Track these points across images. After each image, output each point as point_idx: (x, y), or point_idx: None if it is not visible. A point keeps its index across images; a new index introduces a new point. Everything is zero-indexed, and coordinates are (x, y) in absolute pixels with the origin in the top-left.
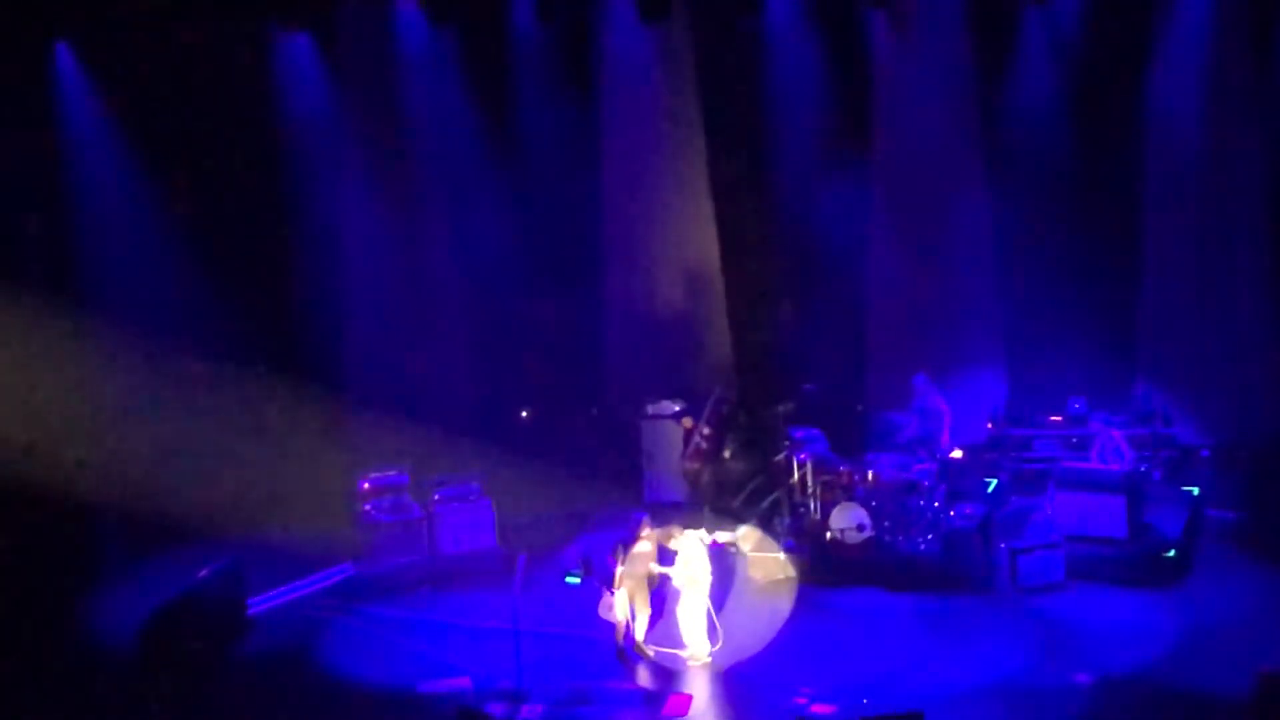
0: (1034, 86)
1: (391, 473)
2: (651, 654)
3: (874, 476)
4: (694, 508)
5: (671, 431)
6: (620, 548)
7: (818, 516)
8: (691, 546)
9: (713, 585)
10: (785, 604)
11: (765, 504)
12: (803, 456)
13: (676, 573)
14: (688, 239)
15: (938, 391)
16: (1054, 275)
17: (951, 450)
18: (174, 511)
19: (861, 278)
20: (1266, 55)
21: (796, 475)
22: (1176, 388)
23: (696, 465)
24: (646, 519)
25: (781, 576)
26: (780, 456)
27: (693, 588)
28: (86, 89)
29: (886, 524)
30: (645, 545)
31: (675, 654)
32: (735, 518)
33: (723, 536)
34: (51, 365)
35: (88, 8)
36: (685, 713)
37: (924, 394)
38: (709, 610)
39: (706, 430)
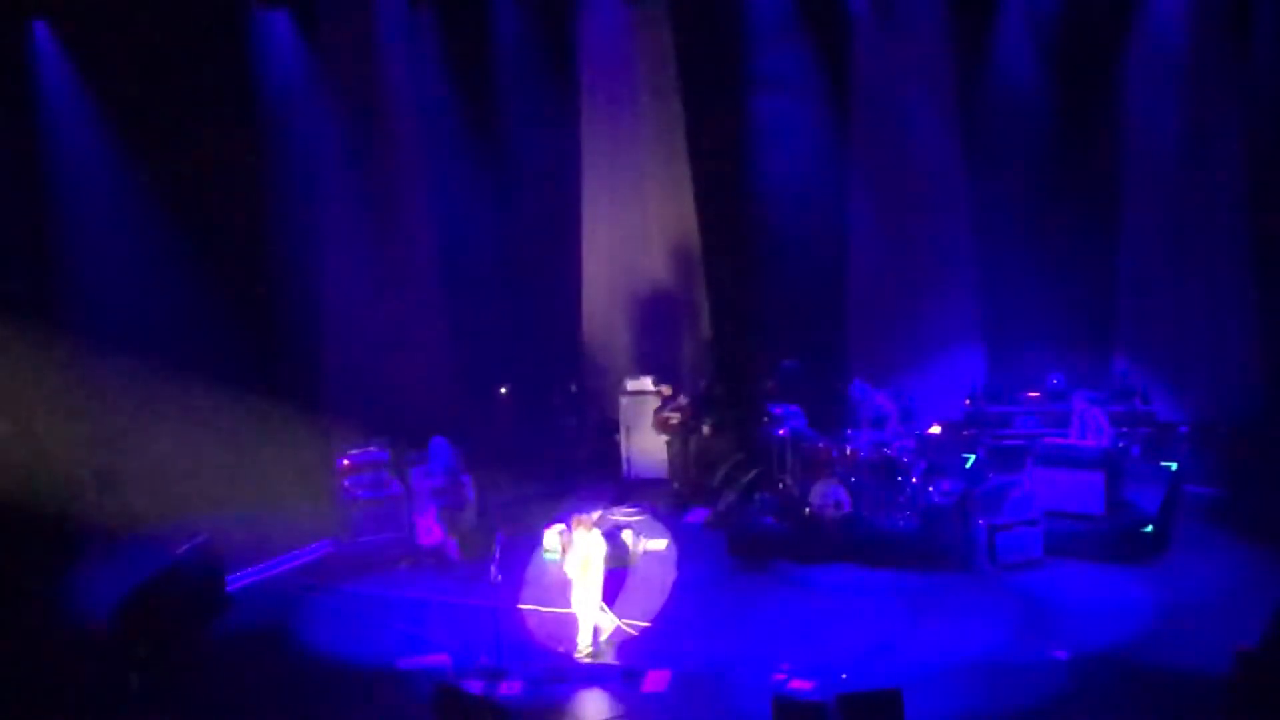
0: (1014, 66)
1: (371, 449)
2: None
3: (853, 453)
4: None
5: (650, 407)
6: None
7: (797, 493)
8: (585, 537)
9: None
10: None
11: (744, 480)
12: (782, 433)
13: (569, 562)
14: (668, 216)
15: (877, 393)
16: (1033, 252)
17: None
18: (153, 487)
19: (841, 253)
20: (1244, 37)
21: (776, 451)
22: (1155, 364)
23: (670, 437)
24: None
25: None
26: (759, 433)
27: (584, 579)
28: (65, 67)
29: (865, 500)
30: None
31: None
32: (714, 493)
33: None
34: (28, 350)
35: None
36: (664, 689)
37: (864, 401)
38: (599, 604)
39: (677, 415)
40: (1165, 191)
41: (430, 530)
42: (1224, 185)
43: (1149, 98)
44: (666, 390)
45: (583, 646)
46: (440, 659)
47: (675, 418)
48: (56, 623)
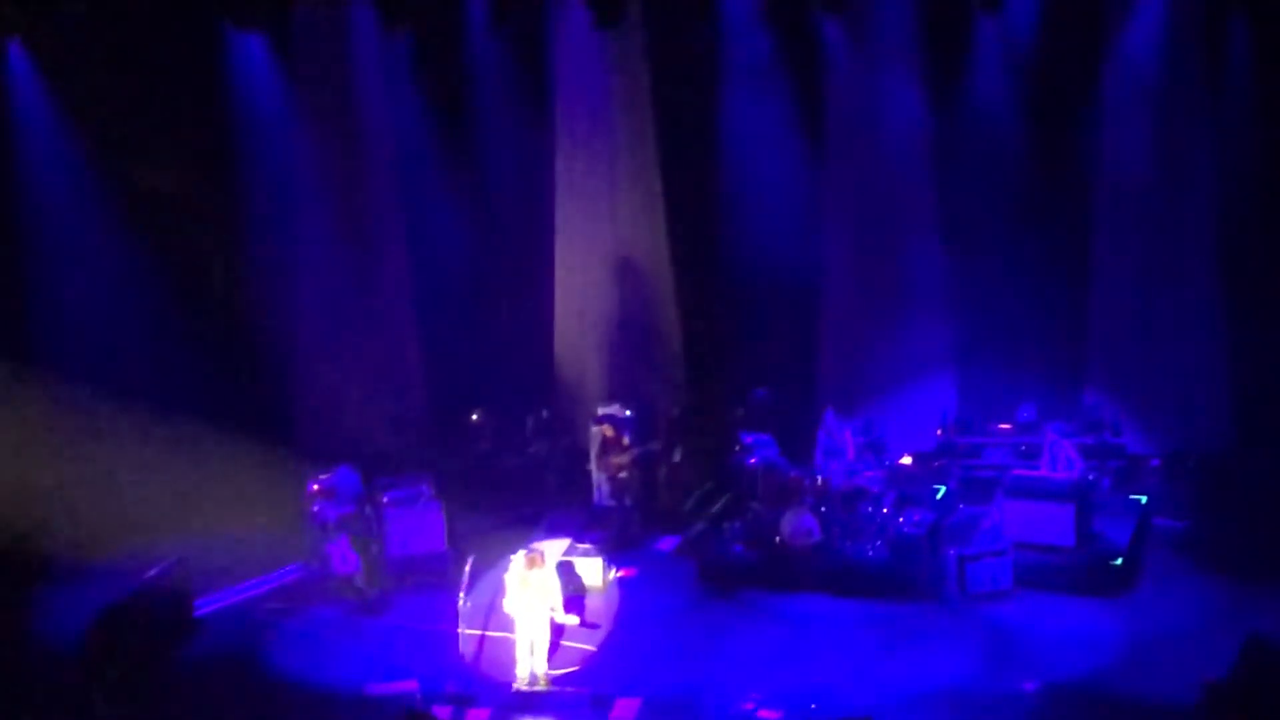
0: (987, 94)
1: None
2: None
3: (824, 482)
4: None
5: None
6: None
7: (767, 521)
8: (533, 574)
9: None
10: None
11: (715, 508)
12: (753, 461)
13: (509, 598)
14: (640, 242)
15: (845, 428)
16: (1005, 284)
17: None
18: (123, 512)
19: (814, 283)
20: (1218, 66)
21: (746, 480)
22: (1126, 397)
23: (625, 475)
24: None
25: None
26: (730, 461)
27: (525, 613)
28: (38, 88)
29: (836, 530)
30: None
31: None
32: (685, 520)
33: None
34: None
35: (41, 7)
36: (632, 716)
37: (831, 432)
38: (533, 638)
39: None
40: (1136, 224)
41: (345, 559)
42: (1195, 218)
43: (1122, 130)
44: (609, 432)
45: (520, 676)
46: (409, 685)
47: (624, 460)
48: (24, 647)
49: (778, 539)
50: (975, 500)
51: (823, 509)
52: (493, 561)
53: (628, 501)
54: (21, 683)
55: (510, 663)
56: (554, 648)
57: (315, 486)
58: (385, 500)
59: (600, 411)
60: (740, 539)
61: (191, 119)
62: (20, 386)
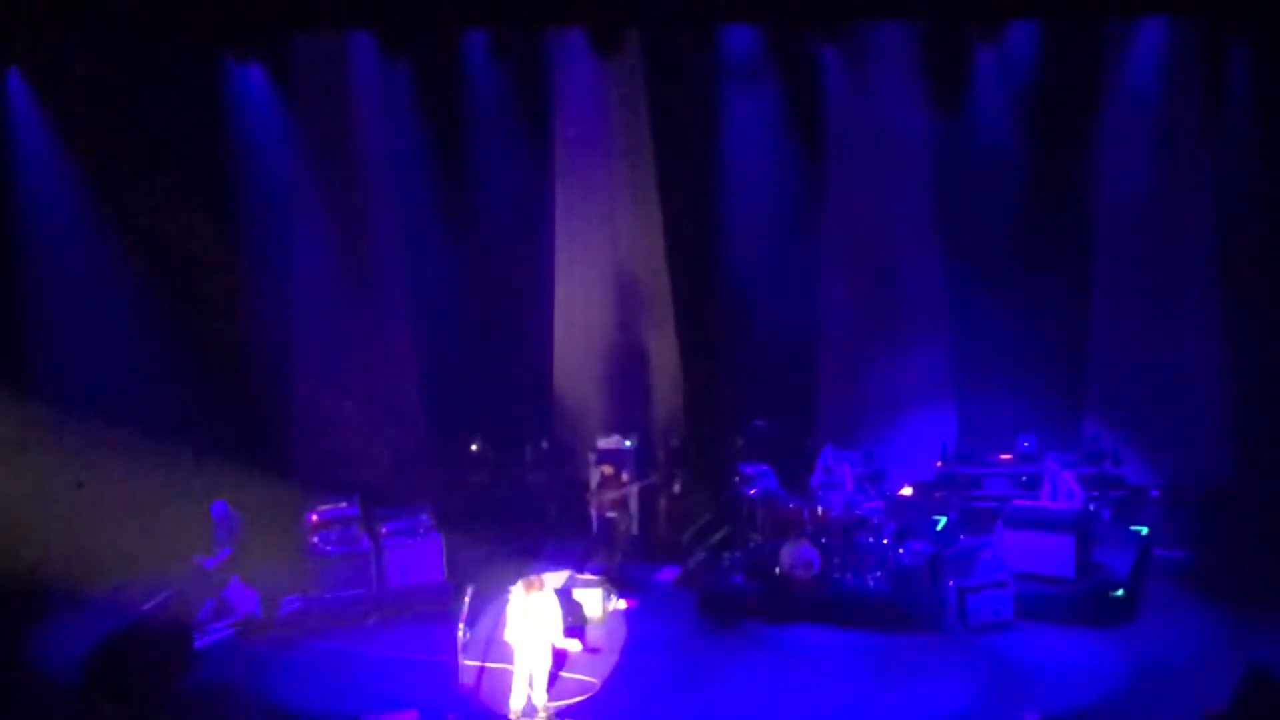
0: (986, 125)
1: (341, 505)
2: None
3: (823, 513)
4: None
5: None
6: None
7: (767, 552)
8: (533, 601)
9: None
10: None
11: (715, 539)
12: (753, 492)
13: (511, 627)
14: (639, 270)
15: (844, 461)
16: (1005, 313)
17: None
18: (122, 542)
19: (813, 312)
20: (1218, 96)
21: (746, 511)
22: (1126, 427)
23: (615, 514)
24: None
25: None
26: (730, 492)
27: (528, 642)
28: (38, 118)
29: (835, 561)
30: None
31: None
32: (684, 553)
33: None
34: None
35: (40, 34)
36: None
37: (832, 467)
38: (531, 671)
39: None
40: (1137, 253)
41: (244, 598)
42: (1196, 247)
43: (1122, 158)
44: (608, 470)
45: (515, 708)
46: (408, 716)
47: (616, 496)
48: (24, 679)
49: (777, 570)
50: (975, 531)
51: (823, 540)
52: (492, 592)
53: (617, 538)
54: (22, 716)
55: (509, 694)
56: (554, 679)
57: (315, 517)
58: (384, 531)
59: (600, 444)
60: (740, 570)
61: (191, 148)
62: (18, 417)
